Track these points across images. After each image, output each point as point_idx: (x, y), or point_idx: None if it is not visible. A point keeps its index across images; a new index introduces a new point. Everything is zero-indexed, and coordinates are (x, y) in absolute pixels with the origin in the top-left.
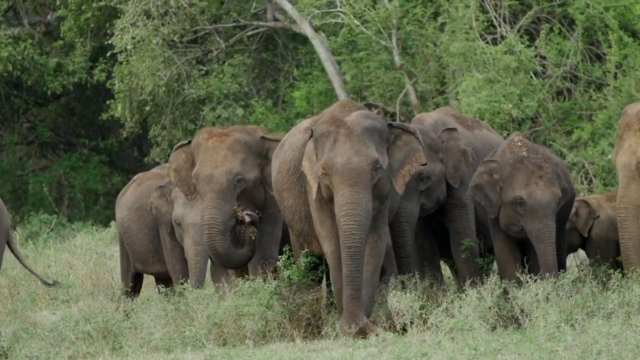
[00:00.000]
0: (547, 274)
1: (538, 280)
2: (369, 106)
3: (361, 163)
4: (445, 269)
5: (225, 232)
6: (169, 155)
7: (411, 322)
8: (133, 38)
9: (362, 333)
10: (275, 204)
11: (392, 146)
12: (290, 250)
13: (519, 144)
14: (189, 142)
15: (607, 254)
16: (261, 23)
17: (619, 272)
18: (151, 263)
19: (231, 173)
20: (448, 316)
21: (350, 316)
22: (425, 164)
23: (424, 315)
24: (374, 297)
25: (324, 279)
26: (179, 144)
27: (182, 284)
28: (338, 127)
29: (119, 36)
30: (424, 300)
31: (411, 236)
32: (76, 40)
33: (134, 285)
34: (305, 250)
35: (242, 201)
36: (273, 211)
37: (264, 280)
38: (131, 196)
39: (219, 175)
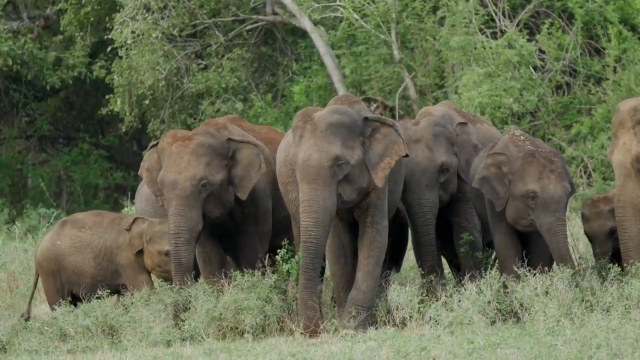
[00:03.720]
0: (562, 265)
1: (537, 274)
2: (368, 100)
3: (321, 160)
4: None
5: (191, 242)
6: None
7: (410, 317)
8: (133, 32)
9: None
10: (252, 202)
11: (370, 139)
12: (289, 244)
13: (522, 137)
14: None
15: None
16: (260, 17)
17: (618, 266)
18: None
19: (195, 179)
20: (447, 310)
21: (303, 306)
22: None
23: (422, 310)
24: (376, 289)
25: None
26: (152, 144)
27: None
28: (305, 123)
29: (119, 30)
30: (423, 294)
31: (434, 226)
32: (76, 34)
33: None
34: None
35: (210, 204)
36: (251, 210)
37: (263, 275)
38: None
39: (182, 181)
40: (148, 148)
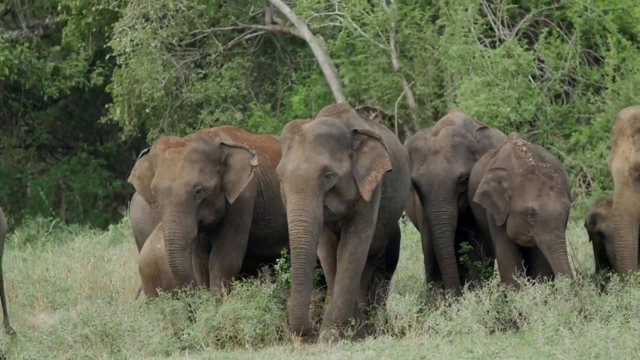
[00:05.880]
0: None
1: (536, 284)
2: (367, 109)
3: (309, 170)
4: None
5: (186, 248)
6: None
7: (409, 326)
8: (131, 41)
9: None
10: (236, 210)
11: (357, 152)
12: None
13: (524, 148)
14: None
15: None
16: (259, 26)
17: (617, 276)
18: None
19: (189, 185)
20: (446, 319)
21: (294, 318)
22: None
23: (420, 319)
24: (352, 303)
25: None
26: (143, 151)
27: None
28: (293, 134)
29: (117, 39)
30: (422, 303)
31: (453, 238)
32: (78, 45)
33: None
34: None
35: (204, 210)
36: (234, 217)
37: (262, 284)
38: None
39: (177, 187)
40: (139, 156)
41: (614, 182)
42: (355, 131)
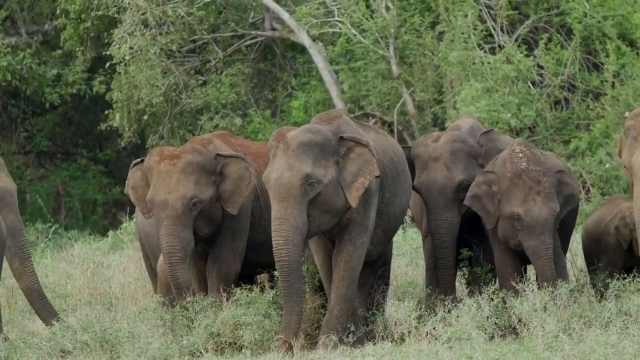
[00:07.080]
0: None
1: (536, 290)
2: (367, 116)
3: (291, 179)
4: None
5: (185, 260)
6: None
7: (409, 332)
8: (131, 48)
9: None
10: (232, 216)
11: (344, 159)
12: None
13: (520, 155)
14: (143, 160)
15: None
16: (259, 32)
17: (617, 281)
18: None
19: (185, 198)
20: (446, 325)
21: (286, 328)
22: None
23: (419, 325)
24: (350, 310)
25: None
26: (135, 162)
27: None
28: (278, 142)
29: (117, 46)
30: (421, 310)
31: (453, 247)
32: (77, 49)
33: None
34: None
35: (200, 222)
36: (231, 223)
37: (261, 290)
38: None
39: (173, 201)
40: (131, 166)
41: (635, 178)
42: (341, 137)
